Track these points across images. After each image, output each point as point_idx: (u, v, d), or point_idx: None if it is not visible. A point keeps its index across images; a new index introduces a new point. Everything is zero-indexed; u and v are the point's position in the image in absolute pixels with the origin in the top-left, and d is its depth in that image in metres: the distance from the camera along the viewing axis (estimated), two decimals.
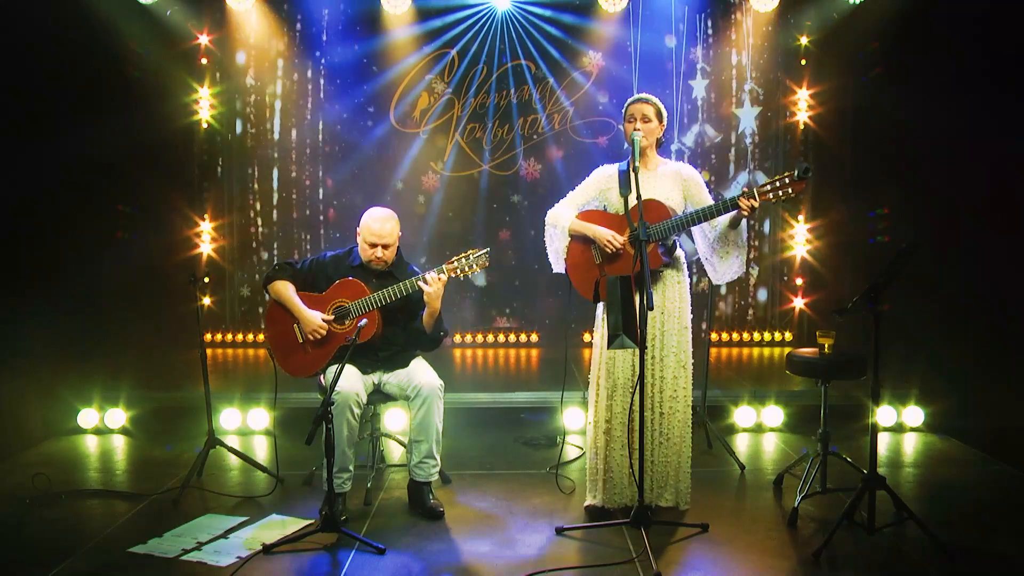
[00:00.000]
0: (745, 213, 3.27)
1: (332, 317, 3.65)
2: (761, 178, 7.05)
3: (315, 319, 3.63)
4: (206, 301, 6.96)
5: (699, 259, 3.67)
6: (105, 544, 3.30)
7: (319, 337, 3.63)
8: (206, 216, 7.03)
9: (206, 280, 6.99)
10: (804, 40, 6.91)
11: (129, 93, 5.90)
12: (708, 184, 3.64)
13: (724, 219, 3.44)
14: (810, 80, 6.94)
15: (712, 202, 3.45)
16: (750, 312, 7.24)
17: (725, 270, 3.55)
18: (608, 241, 3.42)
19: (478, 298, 7.22)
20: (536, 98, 7.06)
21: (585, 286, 3.53)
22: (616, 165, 3.59)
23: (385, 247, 3.68)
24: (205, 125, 6.96)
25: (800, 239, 7.09)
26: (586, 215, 3.56)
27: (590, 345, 3.79)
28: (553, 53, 6.99)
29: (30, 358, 4.64)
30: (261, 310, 7.10)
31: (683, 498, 3.56)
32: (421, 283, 3.53)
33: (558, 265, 3.64)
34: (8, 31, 4.47)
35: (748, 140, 7.09)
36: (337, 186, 7.12)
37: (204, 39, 6.83)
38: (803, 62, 6.92)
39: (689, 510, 3.57)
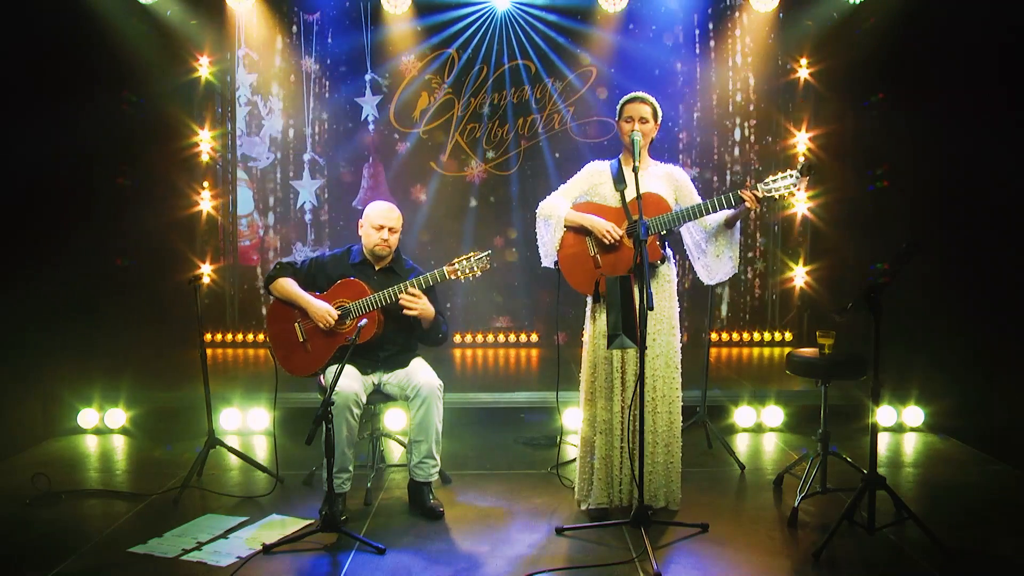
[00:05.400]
0: (750, 207, 3.27)
1: (339, 313, 3.65)
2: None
3: (325, 306, 3.65)
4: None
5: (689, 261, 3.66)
6: (105, 544, 3.30)
7: (329, 326, 3.63)
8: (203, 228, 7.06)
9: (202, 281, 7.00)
10: (804, 39, 6.90)
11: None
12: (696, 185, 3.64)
13: (719, 217, 3.44)
14: (807, 88, 6.93)
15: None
16: (750, 310, 7.25)
17: (718, 269, 3.54)
18: (607, 232, 3.40)
19: (477, 298, 7.21)
20: (535, 98, 7.06)
21: (577, 278, 3.52)
22: (607, 162, 3.60)
23: (391, 230, 3.72)
24: (205, 125, 6.97)
25: (800, 239, 7.09)
26: (582, 207, 3.56)
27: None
28: (553, 53, 6.99)
29: (30, 358, 4.64)
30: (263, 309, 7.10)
31: (673, 498, 3.55)
32: (405, 300, 3.56)
33: (549, 258, 3.58)
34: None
35: (739, 146, 7.09)
36: (337, 187, 7.11)
37: (203, 34, 6.83)
38: (802, 62, 6.92)
39: (680, 511, 3.56)
